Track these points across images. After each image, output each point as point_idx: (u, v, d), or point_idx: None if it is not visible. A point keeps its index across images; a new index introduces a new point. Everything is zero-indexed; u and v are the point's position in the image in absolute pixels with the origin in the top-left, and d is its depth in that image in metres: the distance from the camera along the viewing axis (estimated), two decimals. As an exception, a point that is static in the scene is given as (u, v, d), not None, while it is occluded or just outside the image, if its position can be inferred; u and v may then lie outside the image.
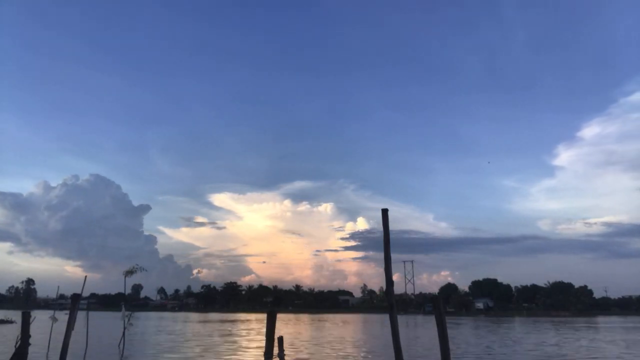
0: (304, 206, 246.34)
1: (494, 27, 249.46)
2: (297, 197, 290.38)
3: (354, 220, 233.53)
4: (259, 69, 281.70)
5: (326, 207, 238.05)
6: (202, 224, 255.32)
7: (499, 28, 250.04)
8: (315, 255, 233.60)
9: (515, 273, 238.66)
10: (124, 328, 25.41)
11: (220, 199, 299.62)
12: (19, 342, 15.79)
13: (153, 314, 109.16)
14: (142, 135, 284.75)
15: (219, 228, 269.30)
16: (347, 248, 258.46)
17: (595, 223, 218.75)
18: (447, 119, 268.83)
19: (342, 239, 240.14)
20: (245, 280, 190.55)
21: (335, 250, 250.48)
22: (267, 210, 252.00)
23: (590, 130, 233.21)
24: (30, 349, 16.26)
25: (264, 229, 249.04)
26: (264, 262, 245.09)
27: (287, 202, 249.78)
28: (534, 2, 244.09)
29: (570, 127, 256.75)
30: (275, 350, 12.09)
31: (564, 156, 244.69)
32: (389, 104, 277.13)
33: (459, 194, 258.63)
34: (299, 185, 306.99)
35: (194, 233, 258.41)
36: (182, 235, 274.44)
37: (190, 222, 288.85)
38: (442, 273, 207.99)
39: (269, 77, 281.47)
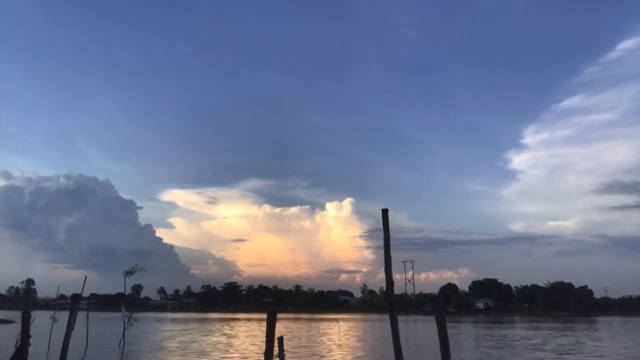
0: (280, 208, 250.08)
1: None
2: (265, 197, 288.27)
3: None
4: (175, 65, 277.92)
5: (299, 208, 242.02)
6: (176, 223, 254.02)
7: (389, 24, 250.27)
8: (312, 254, 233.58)
9: (515, 273, 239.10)
10: (124, 328, 25.46)
11: (182, 197, 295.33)
12: (19, 342, 15.79)
13: (153, 318, 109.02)
14: (66, 126, 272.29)
15: (197, 227, 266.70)
16: (354, 247, 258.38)
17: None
18: (384, 120, 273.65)
19: (350, 237, 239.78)
20: (235, 280, 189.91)
21: (339, 250, 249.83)
22: (241, 210, 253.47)
23: (536, 136, 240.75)
24: (30, 349, 16.23)
25: (243, 229, 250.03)
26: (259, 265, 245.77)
27: (267, 206, 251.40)
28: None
29: (512, 133, 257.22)
30: (276, 350, 12.09)
31: (517, 161, 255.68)
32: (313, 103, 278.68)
33: (416, 194, 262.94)
34: (249, 184, 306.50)
35: (170, 234, 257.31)
36: (160, 234, 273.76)
37: (164, 222, 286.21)
38: (437, 271, 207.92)
39: (185, 73, 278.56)
